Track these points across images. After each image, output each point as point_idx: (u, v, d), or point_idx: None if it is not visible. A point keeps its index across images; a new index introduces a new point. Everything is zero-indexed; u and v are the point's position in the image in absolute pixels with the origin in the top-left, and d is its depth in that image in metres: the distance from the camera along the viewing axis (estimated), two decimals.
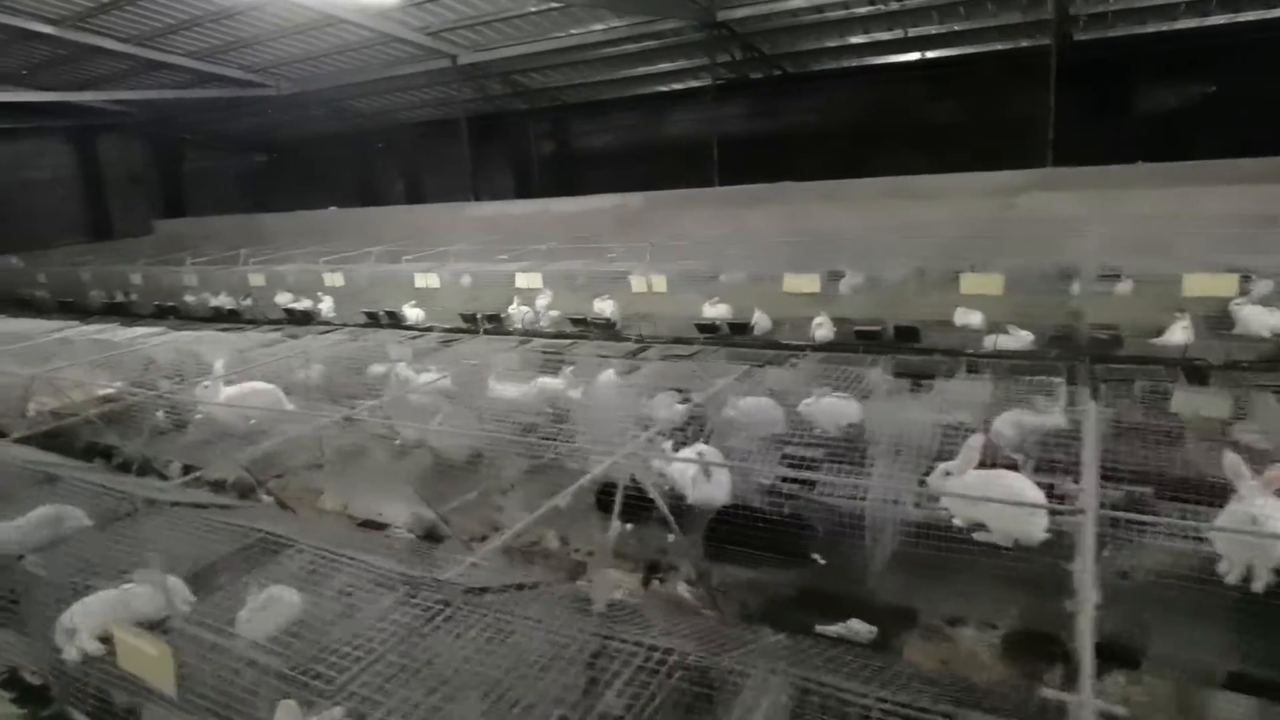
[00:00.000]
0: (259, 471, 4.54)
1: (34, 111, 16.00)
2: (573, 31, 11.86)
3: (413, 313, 8.28)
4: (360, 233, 13.17)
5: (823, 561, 3.16)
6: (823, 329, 6.30)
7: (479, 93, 14.10)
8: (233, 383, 5.15)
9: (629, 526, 3.18)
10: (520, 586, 2.31)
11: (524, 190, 16.15)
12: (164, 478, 5.28)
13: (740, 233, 9.97)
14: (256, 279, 9.31)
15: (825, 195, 10.39)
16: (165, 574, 2.87)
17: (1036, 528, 3.12)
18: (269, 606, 2.82)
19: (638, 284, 6.87)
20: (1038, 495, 3.14)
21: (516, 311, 7.70)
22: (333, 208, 15.00)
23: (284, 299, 9.78)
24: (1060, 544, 3.12)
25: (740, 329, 6.54)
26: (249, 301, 10.02)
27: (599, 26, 11.63)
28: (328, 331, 8.38)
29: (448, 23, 11.79)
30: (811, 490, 3.41)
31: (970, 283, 5.77)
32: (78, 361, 5.74)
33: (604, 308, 7.51)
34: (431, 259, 9.13)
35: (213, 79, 14.16)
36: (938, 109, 12.26)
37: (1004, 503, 2.98)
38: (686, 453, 3.62)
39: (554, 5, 10.98)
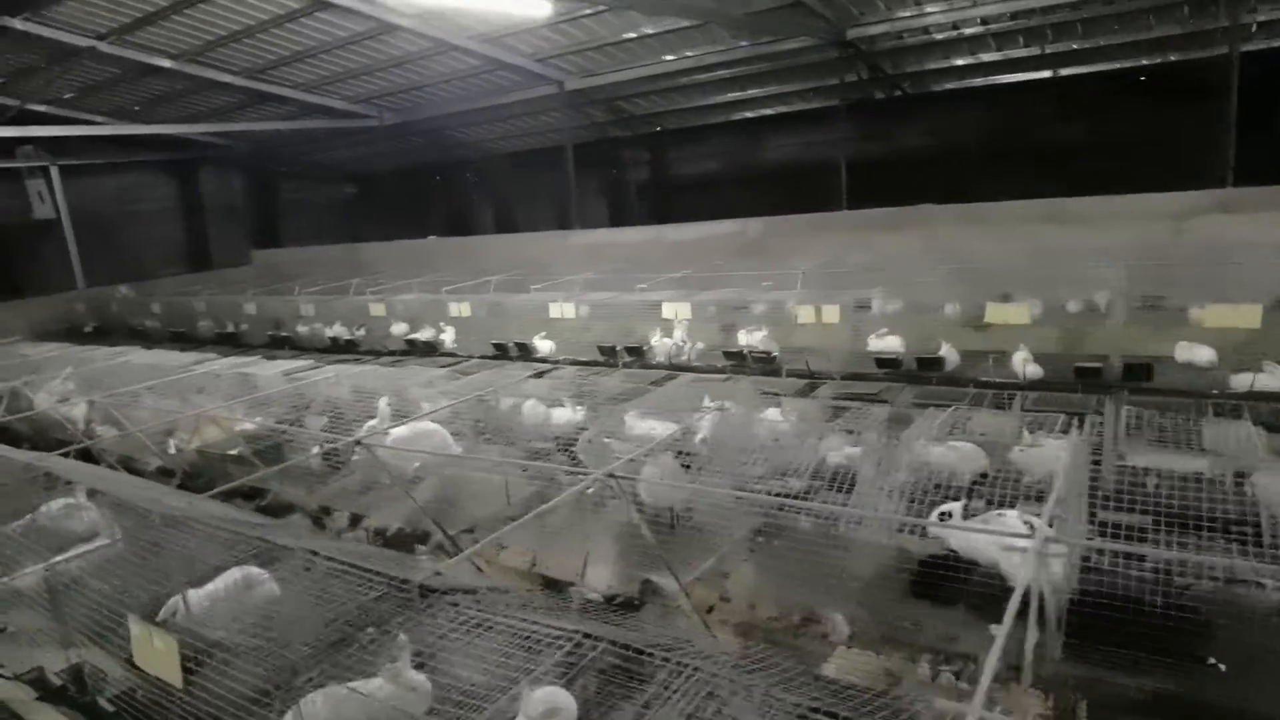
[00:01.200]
0: (440, 523, 4.06)
1: (140, 145, 16.38)
2: (686, 54, 11.49)
3: (543, 344, 7.84)
4: (461, 262, 12.92)
5: (1223, 668, 2.48)
6: (1031, 364, 5.60)
7: (583, 119, 13.82)
8: (399, 423, 4.71)
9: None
10: None
11: (622, 218, 15.77)
12: (321, 526, 4.87)
13: (879, 259, 9.31)
14: (376, 309, 9.02)
15: (967, 218, 9.70)
16: (416, 673, 2.36)
17: None
18: (550, 717, 2.28)
19: (805, 314, 6.29)
20: None
21: (660, 344, 7.18)
22: (432, 236, 14.85)
23: (400, 329, 9.49)
24: None
25: (931, 364, 5.88)
26: (362, 332, 9.75)
27: (716, 48, 11.22)
28: (454, 364, 7.99)
29: (559, 48, 11.54)
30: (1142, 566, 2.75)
31: (1216, 314, 5.02)
32: (239, 399, 5.38)
33: (755, 339, 6.93)
34: (558, 288, 8.71)
35: (317, 110, 14.22)
36: (1078, 128, 11.44)
37: None
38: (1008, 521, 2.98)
39: (669, 28, 10.63)
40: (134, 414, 5.67)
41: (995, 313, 5.68)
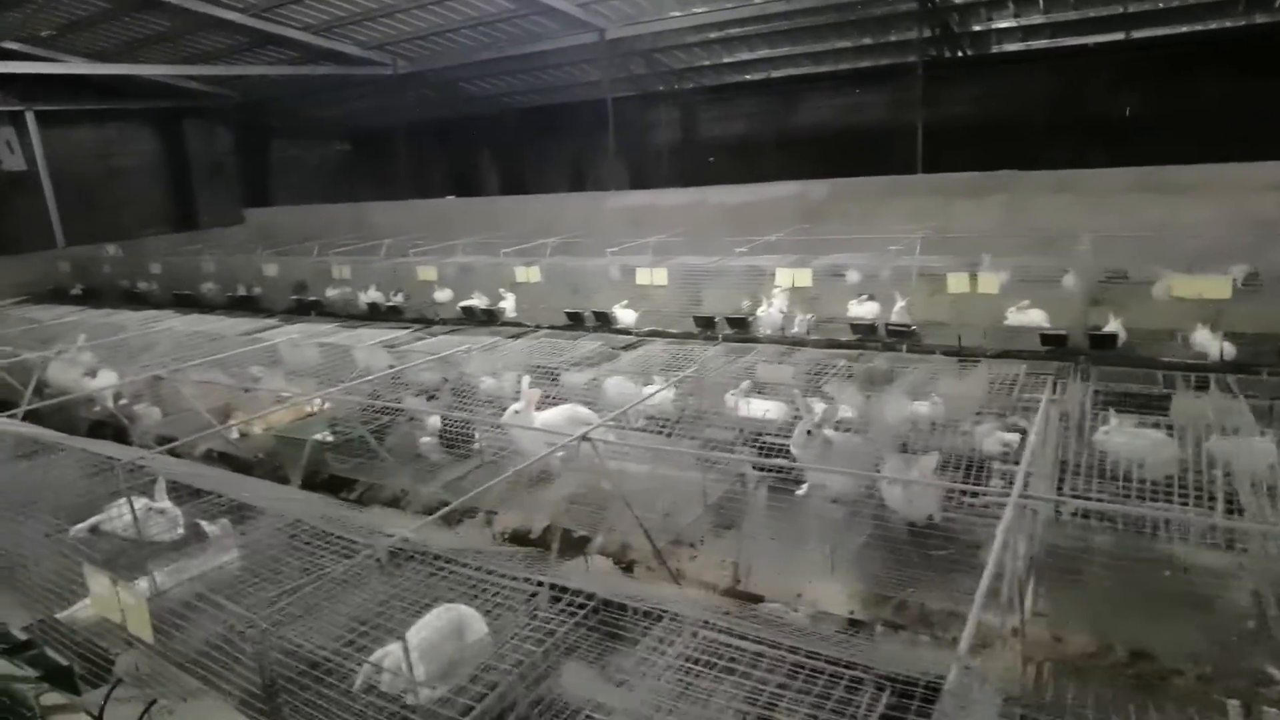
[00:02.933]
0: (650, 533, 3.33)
1: (122, 93, 15.08)
2: (749, 1, 10.56)
3: (625, 314, 7.07)
4: (485, 224, 12.02)
5: None
6: (1225, 343, 5.00)
7: (621, 72, 12.83)
8: (543, 407, 3.96)
9: None
10: None
11: (656, 180, 14.78)
12: (448, 525, 4.09)
13: (959, 227, 8.66)
14: (426, 273, 8.12)
15: (1054, 186, 9.07)
16: None
17: None
18: None
19: (957, 283, 5.60)
20: None
21: (766, 315, 6.45)
22: (450, 197, 13.84)
23: (444, 295, 8.62)
24: None
25: (1103, 341, 5.25)
26: (400, 297, 8.86)
27: None
28: (520, 334, 7.19)
29: None
30: None
31: None
32: (368, 377, 4.54)
33: (873, 309, 6.24)
34: (629, 252, 7.90)
35: (326, 56, 13.07)
36: (1161, 94, 10.76)
37: None
38: None
39: None
40: (177, 389, 4.79)
41: (1184, 285, 5.05)
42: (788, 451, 3.73)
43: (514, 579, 2.24)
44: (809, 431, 3.37)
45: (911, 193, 9.79)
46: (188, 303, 10.48)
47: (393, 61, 13.40)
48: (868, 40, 11.67)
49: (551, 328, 7.38)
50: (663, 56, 12.88)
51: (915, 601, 3.12)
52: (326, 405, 5.03)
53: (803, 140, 12.93)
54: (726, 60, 12.90)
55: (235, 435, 4.96)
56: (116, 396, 5.81)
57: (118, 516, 3.67)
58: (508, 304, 7.88)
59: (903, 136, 10.47)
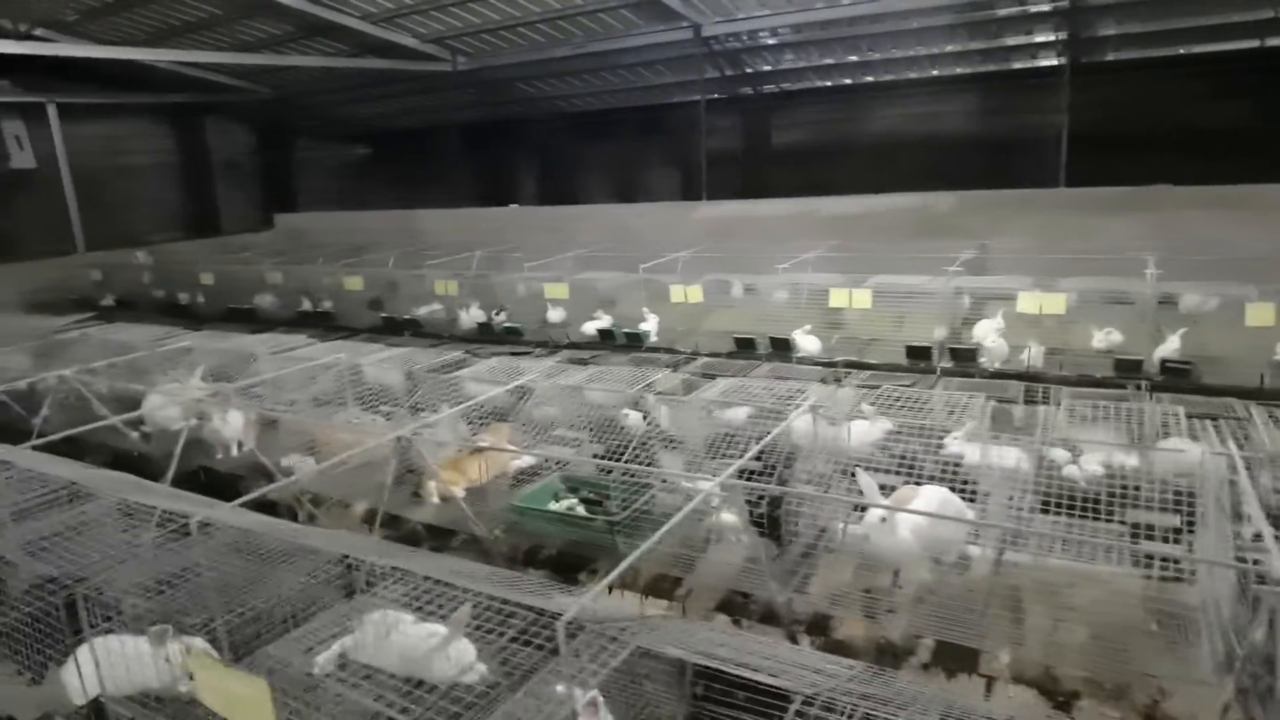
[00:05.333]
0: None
1: (140, 85, 13.89)
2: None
3: (807, 341, 6.14)
4: (552, 234, 11.00)
5: None
6: None
7: (712, 71, 11.89)
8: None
9: None
10: None
11: (694, 192, 13.88)
12: (792, 639, 3.12)
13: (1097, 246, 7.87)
14: (555, 290, 7.11)
15: (1217, 202, 8.33)
16: None
17: None
18: None
19: (1259, 315, 4.75)
20: None
21: (995, 345, 5.57)
22: (513, 205, 12.82)
23: (557, 315, 7.65)
24: None
25: None
26: (502, 317, 7.87)
27: None
28: (676, 362, 6.24)
29: None
30: None
31: None
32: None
33: (1168, 347, 5.35)
34: (800, 268, 7.01)
35: (381, 48, 12.02)
36: None
37: None
38: None
39: None
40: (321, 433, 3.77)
41: None
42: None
43: None
44: None
45: (1045, 208, 9.00)
46: (243, 317, 9.38)
47: (452, 57, 12.38)
48: (978, 44, 10.89)
49: (712, 355, 6.44)
50: (755, 56, 11.97)
51: None
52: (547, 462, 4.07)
53: (910, 149, 12.08)
54: (821, 62, 12.03)
55: (435, 498, 3.96)
56: (241, 444, 4.78)
57: (369, 637, 2.68)
58: (649, 326, 6.93)
59: (1036, 147, 9.72)
